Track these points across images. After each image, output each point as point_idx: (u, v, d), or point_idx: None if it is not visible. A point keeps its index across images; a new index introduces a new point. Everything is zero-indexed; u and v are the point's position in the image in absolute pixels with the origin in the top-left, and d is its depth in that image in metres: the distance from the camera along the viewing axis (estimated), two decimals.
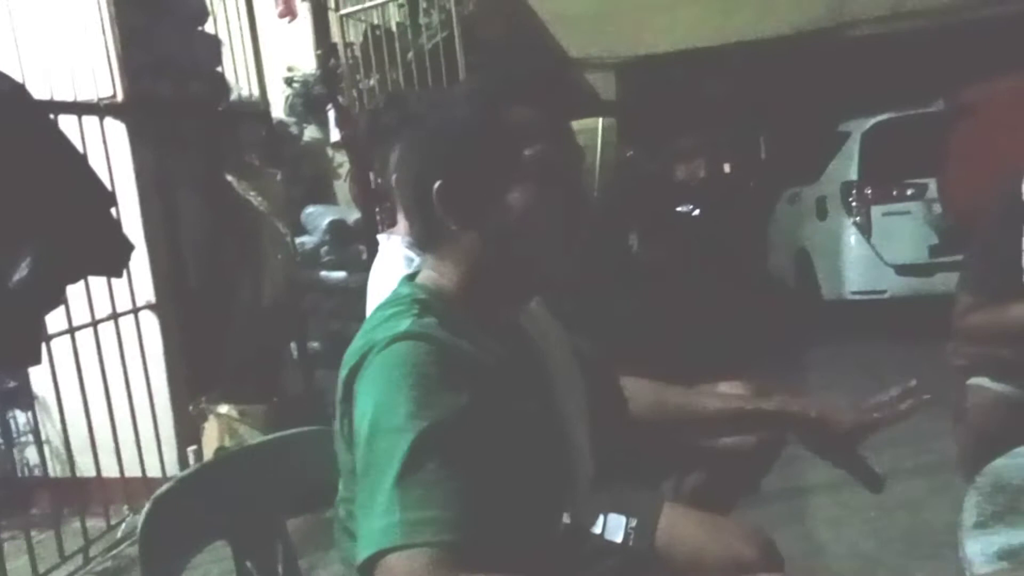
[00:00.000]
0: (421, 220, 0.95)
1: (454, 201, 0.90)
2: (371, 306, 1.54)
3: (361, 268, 4.87)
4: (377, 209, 5.17)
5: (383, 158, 1.61)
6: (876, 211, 4.78)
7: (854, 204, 4.83)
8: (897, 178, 4.80)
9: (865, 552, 2.42)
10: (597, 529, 1.34)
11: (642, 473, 1.48)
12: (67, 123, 2.64)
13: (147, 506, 0.98)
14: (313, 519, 1.58)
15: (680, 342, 4.36)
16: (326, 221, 4.87)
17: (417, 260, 1.54)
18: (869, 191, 4.81)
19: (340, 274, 4.87)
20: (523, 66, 1.02)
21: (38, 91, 2.53)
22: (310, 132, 5.36)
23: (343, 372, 0.88)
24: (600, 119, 7.41)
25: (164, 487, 1.00)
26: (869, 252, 4.77)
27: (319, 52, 5.27)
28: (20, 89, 2.43)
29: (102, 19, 2.89)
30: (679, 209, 10.62)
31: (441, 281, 0.94)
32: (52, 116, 2.59)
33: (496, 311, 0.96)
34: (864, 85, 6.69)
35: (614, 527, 1.35)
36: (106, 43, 2.90)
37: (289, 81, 5.23)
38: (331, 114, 5.06)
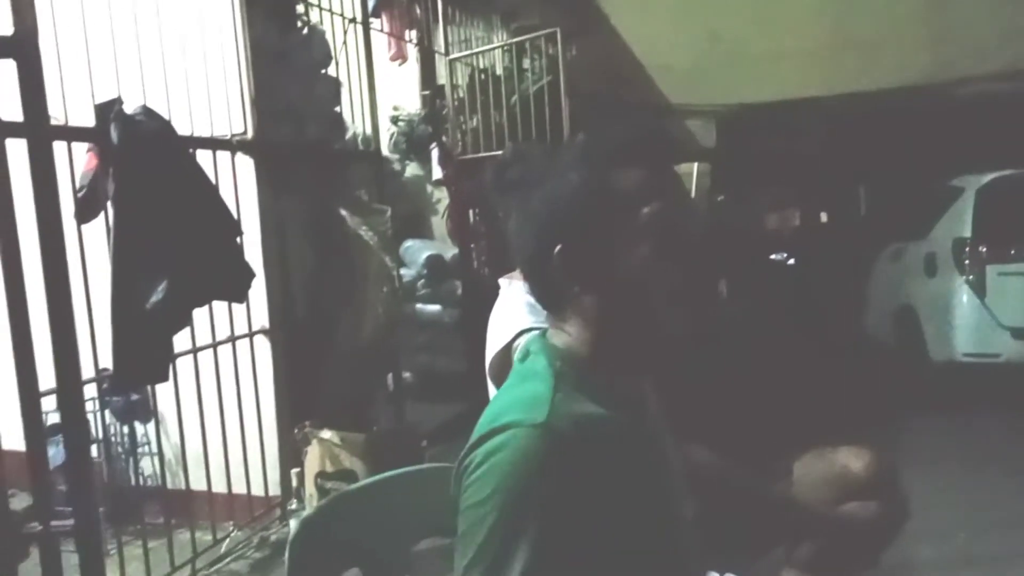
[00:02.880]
0: (543, 283, 0.95)
1: (575, 265, 0.90)
2: (490, 350, 1.57)
3: (455, 303, 4.99)
4: (473, 246, 5.31)
5: (506, 208, 1.65)
6: (991, 270, 4.56)
7: (967, 262, 4.62)
8: (1015, 237, 4.58)
9: None
10: None
11: (753, 539, 1.45)
12: (203, 157, 2.85)
13: (296, 528, 1.03)
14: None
15: (769, 400, 4.22)
16: (424, 256, 5.00)
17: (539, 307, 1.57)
18: (984, 249, 4.60)
19: (435, 308, 4.98)
20: (627, 124, 0.99)
21: (181, 127, 2.74)
22: (411, 169, 5.56)
23: (475, 436, 0.88)
24: (696, 164, 7.39)
25: (312, 510, 1.06)
26: (983, 313, 4.54)
27: (426, 93, 5.49)
28: (167, 126, 2.64)
29: (239, 64, 3.11)
30: (773, 257, 10.37)
31: (571, 341, 0.94)
32: (191, 150, 2.80)
33: (623, 373, 0.95)
34: (979, 140, 6.43)
35: None
36: (241, 85, 3.12)
37: (395, 120, 5.46)
38: (434, 152, 5.24)
